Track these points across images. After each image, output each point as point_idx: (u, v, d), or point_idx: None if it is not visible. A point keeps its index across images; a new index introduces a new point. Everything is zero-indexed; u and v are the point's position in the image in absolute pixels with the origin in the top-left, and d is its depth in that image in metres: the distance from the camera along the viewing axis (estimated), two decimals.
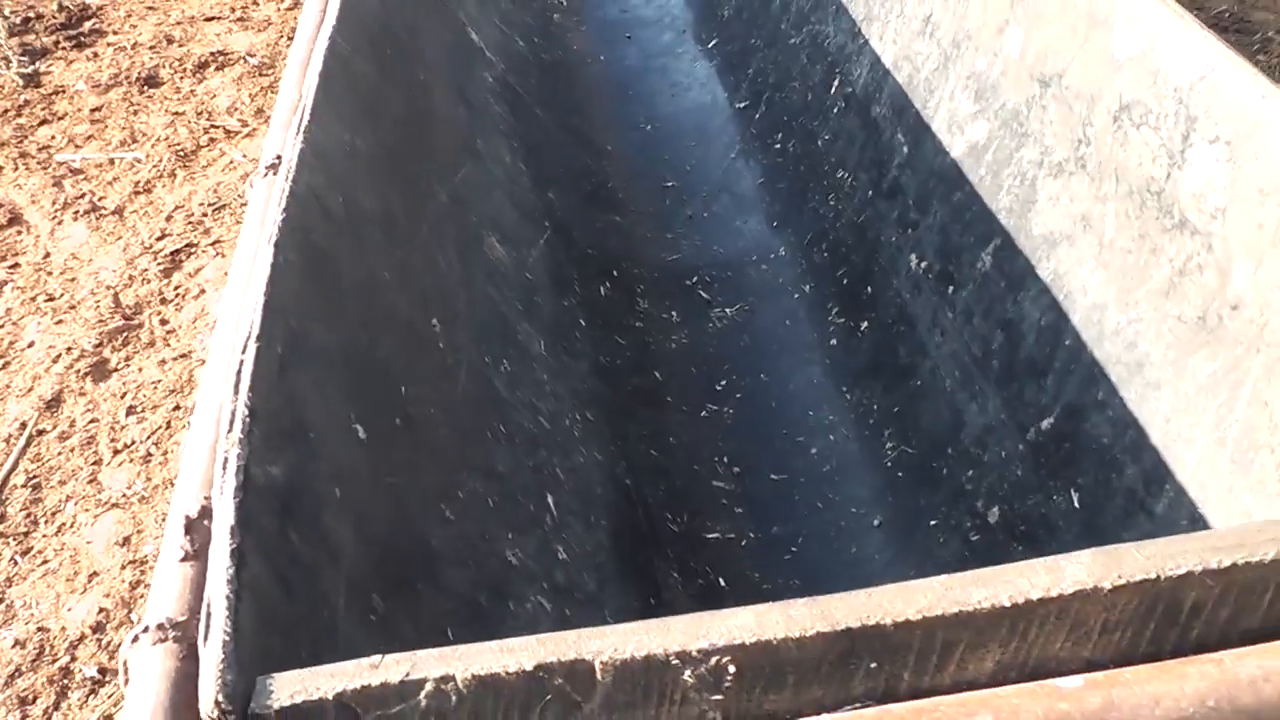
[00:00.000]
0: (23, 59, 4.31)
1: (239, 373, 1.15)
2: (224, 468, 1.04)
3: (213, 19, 4.57)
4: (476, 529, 1.53)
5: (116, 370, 2.88)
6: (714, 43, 3.14)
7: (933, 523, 1.88)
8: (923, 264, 2.09)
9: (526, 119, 2.63)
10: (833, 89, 2.54)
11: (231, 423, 1.09)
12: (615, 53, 3.25)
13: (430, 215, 1.87)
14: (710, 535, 1.96)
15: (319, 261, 1.44)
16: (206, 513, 1.05)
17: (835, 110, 2.51)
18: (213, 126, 3.81)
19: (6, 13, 4.77)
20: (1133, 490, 1.57)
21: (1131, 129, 1.67)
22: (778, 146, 2.66)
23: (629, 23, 3.42)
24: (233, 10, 4.64)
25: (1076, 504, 1.66)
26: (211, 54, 4.25)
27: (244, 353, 1.18)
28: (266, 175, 1.57)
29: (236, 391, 1.13)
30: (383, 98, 1.89)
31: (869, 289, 2.21)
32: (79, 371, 2.85)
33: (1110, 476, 1.61)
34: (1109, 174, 1.71)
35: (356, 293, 1.53)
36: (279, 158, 1.57)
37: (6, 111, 3.98)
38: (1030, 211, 1.87)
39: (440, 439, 1.57)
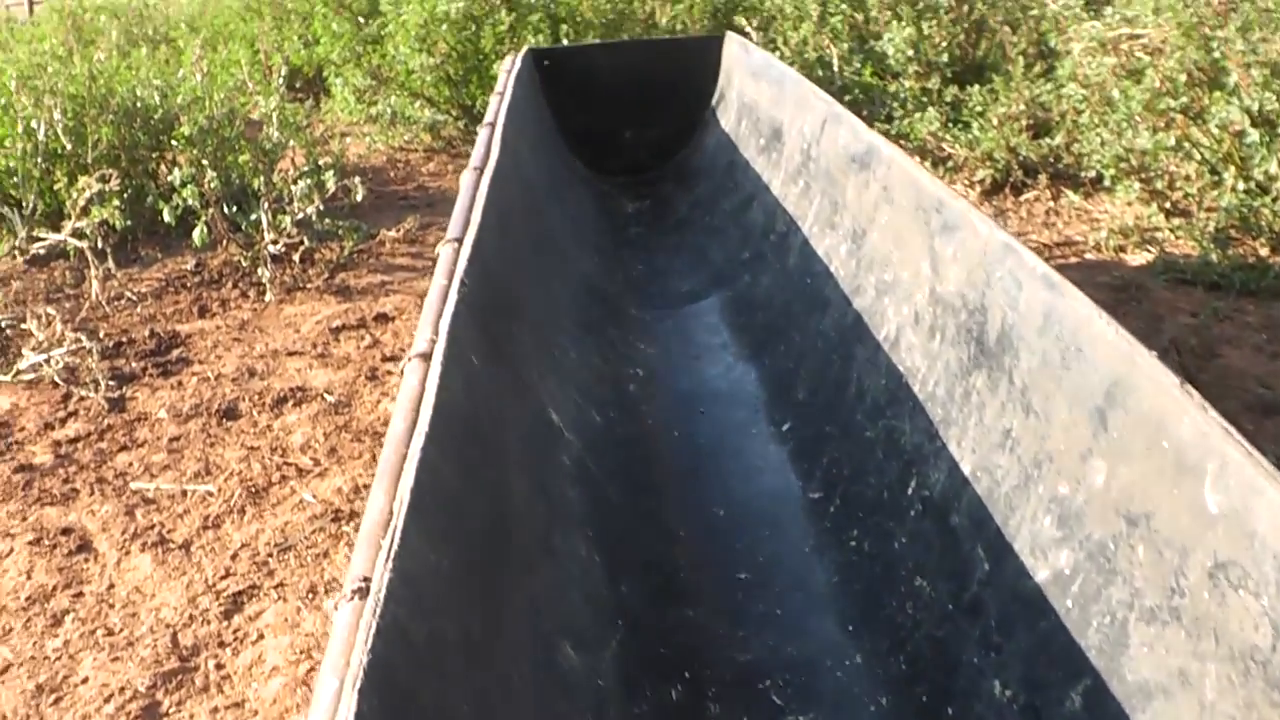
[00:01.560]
0: (111, 383, 4.45)
1: None
2: None
3: (295, 354, 4.71)
4: None
5: (167, 716, 2.82)
6: (788, 425, 3.17)
7: None
8: (1007, 692, 2.03)
9: (601, 504, 2.64)
10: (909, 490, 2.54)
11: None
12: (689, 428, 3.28)
13: (507, 630, 1.85)
14: None
15: (401, 704, 1.42)
16: None
17: (912, 513, 2.50)
18: (285, 464, 3.85)
19: (101, 335, 4.95)
20: None
21: (1230, 590, 1.64)
22: (853, 544, 2.65)
23: (703, 396, 3.48)
24: (314, 346, 4.77)
25: None
26: (291, 389, 4.35)
27: None
28: (352, 599, 1.56)
29: None
30: (467, 507, 1.91)
31: (950, 711, 2.14)
32: (130, 714, 2.80)
33: None
34: (1207, 632, 1.67)
35: None
36: (366, 581, 1.56)
37: (90, 435, 4.08)
38: (1122, 655, 1.82)
39: None
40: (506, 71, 5.19)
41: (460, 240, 2.68)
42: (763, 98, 5.00)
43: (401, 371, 2.14)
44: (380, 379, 4.40)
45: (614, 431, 3.07)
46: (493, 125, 3.90)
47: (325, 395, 4.30)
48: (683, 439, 3.22)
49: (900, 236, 2.99)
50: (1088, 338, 2.06)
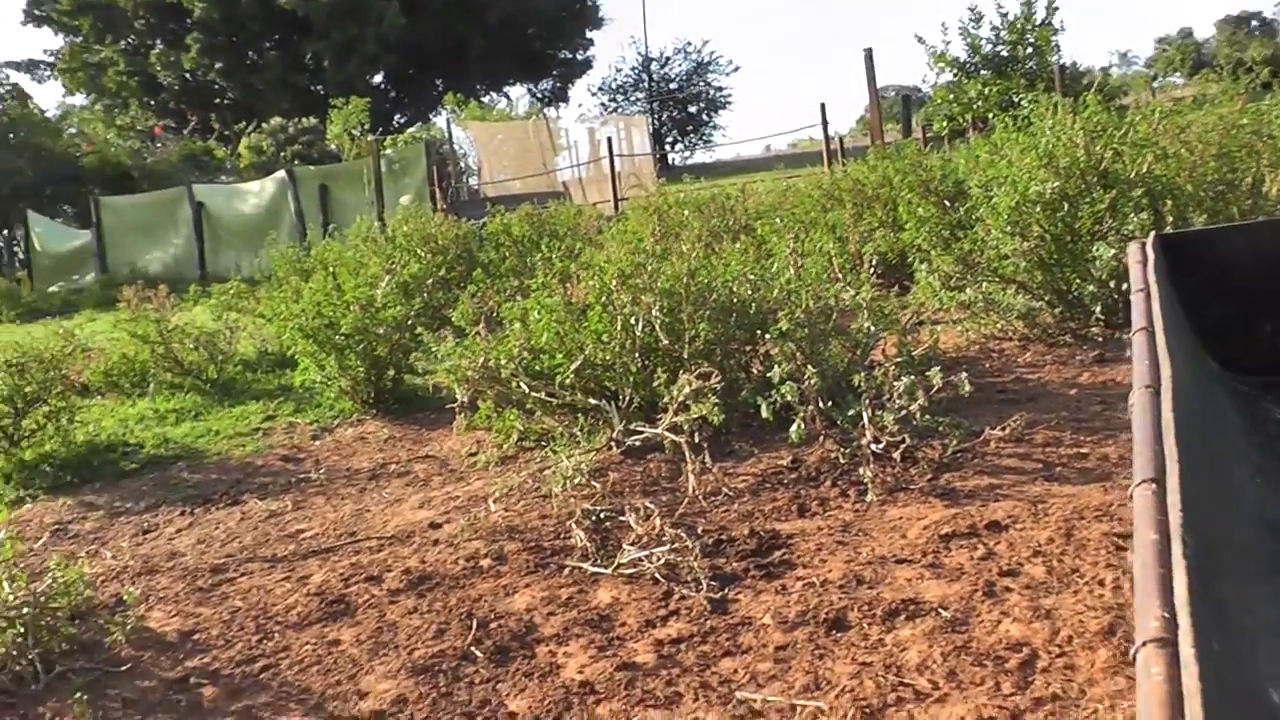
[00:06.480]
0: (712, 583, 4.36)
1: None
2: None
3: (903, 562, 4.43)
4: None
5: None
6: None
7: None
8: None
9: None
10: None
11: None
12: None
13: None
14: None
15: None
16: None
17: None
18: (901, 684, 3.51)
19: (699, 531, 4.93)
20: None
21: None
22: None
23: None
24: (923, 554, 4.47)
25: None
26: (901, 601, 4.04)
27: None
28: None
29: None
30: None
31: None
32: None
33: None
34: None
35: None
36: None
37: (692, 637, 3.96)
38: None
39: None
40: (1139, 263, 4.73)
41: (1155, 481, 2.28)
42: None
43: (1133, 659, 1.77)
44: (998, 595, 4.02)
45: None
46: (1147, 329, 3.47)
47: (940, 610, 3.96)
48: None
49: None
50: None
